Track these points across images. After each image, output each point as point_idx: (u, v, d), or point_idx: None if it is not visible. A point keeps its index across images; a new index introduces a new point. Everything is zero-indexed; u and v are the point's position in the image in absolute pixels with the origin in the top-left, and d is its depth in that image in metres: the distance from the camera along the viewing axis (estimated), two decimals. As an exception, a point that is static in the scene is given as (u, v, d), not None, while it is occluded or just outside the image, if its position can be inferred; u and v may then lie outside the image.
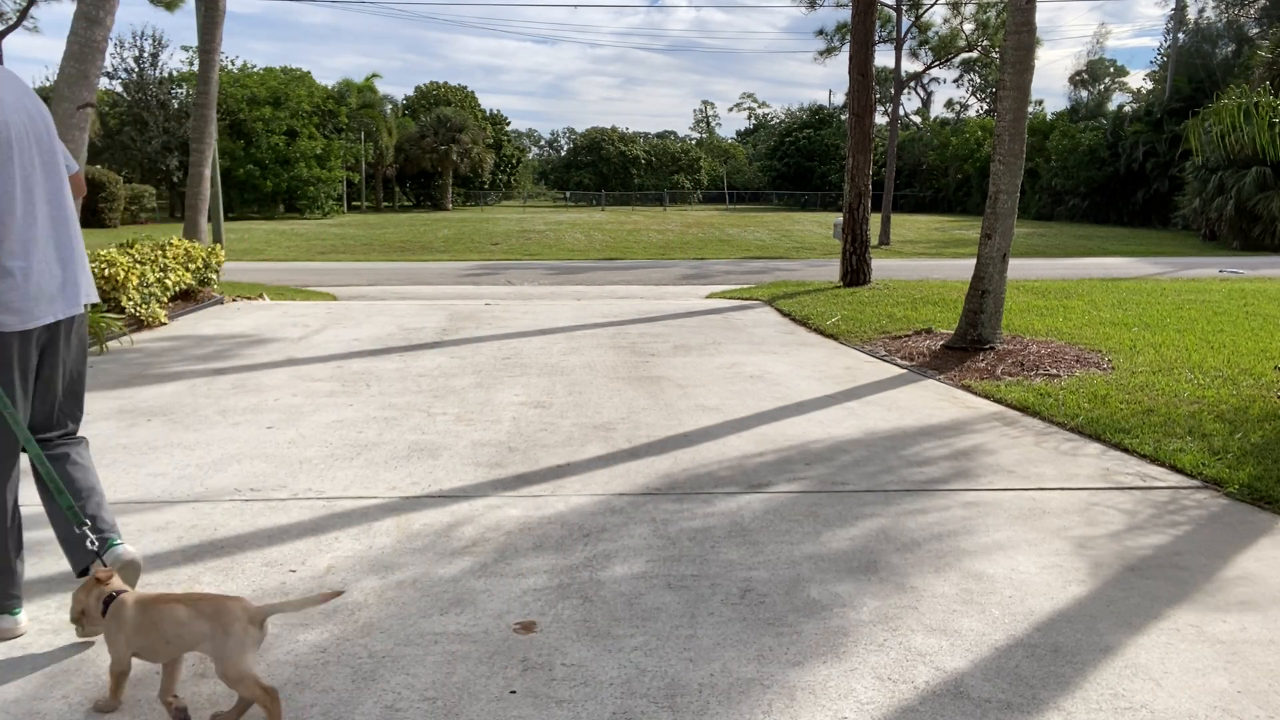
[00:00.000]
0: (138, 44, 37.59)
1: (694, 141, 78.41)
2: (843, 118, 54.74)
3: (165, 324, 9.02)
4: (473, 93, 58.72)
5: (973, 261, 8.11)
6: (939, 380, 6.67)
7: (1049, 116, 46.56)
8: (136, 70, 36.98)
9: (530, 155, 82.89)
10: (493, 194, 58.99)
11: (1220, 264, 18.37)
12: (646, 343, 8.22)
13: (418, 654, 2.68)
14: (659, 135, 79.21)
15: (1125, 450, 4.84)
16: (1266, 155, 6.50)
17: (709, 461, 4.60)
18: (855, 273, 12.68)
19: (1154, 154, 33.52)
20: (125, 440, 4.87)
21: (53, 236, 2.77)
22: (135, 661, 2.38)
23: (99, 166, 30.02)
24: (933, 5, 30.15)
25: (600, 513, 3.86)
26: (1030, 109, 7.86)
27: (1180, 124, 7.42)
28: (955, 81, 59.26)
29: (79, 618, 2.46)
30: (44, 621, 2.86)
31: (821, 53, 32.88)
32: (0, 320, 2.61)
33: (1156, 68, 42.72)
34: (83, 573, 2.79)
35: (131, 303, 8.70)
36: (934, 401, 6.02)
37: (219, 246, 11.62)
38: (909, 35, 31.58)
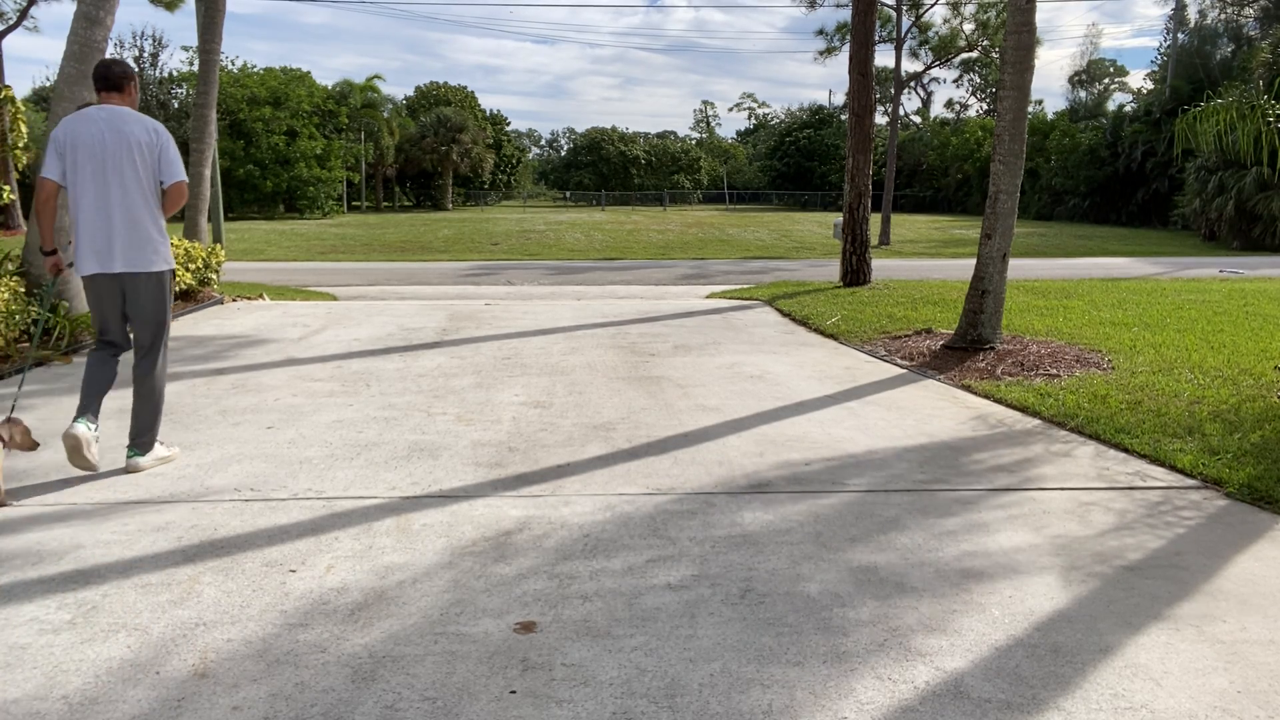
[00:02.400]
0: (138, 44, 37.80)
1: (694, 141, 78.40)
2: (843, 118, 54.74)
3: (165, 324, 9.01)
4: (473, 93, 58.75)
5: (973, 261, 8.11)
6: (939, 380, 6.67)
7: (1049, 116, 46.56)
8: (136, 70, 37.01)
9: (530, 155, 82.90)
10: (493, 194, 59.02)
11: (1220, 264, 18.37)
12: (646, 343, 8.22)
13: (418, 654, 2.68)
14: (659, 135, 79.12)
15: (1125, 450, 4.84)
16: (1250, 158, 6.51)
17: (709, 461, 4.60)
18: (855, 273, 12.68)
19: (1153, 154, 33.52)
20: (125, 440, 4.86)
21: (101, 223, 4.19)
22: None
23: (99, 166, 29.99)
24: (933, 5, 30.15)
25: (600, 513, 3.86)
26: (1030, 109, 7.86)
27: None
28: (955, 81, 59.29)
29: None
30: (44, 621, 2.86)
31: (821, 53, 32.88)
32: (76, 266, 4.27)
33: (1156, 68, 42.74)
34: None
35: (131, 303, 8.69)
36: (934, 401, 6.02)
37: (219, 246, 11.63)
38: (909, 35, 31.58)
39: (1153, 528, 3.75)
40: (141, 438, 4.40)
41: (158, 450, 4.48)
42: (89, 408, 4.28)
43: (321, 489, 4.13)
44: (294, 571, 3.24)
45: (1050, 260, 19.58)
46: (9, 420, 4.06)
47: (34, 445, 4.15)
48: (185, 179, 4.36)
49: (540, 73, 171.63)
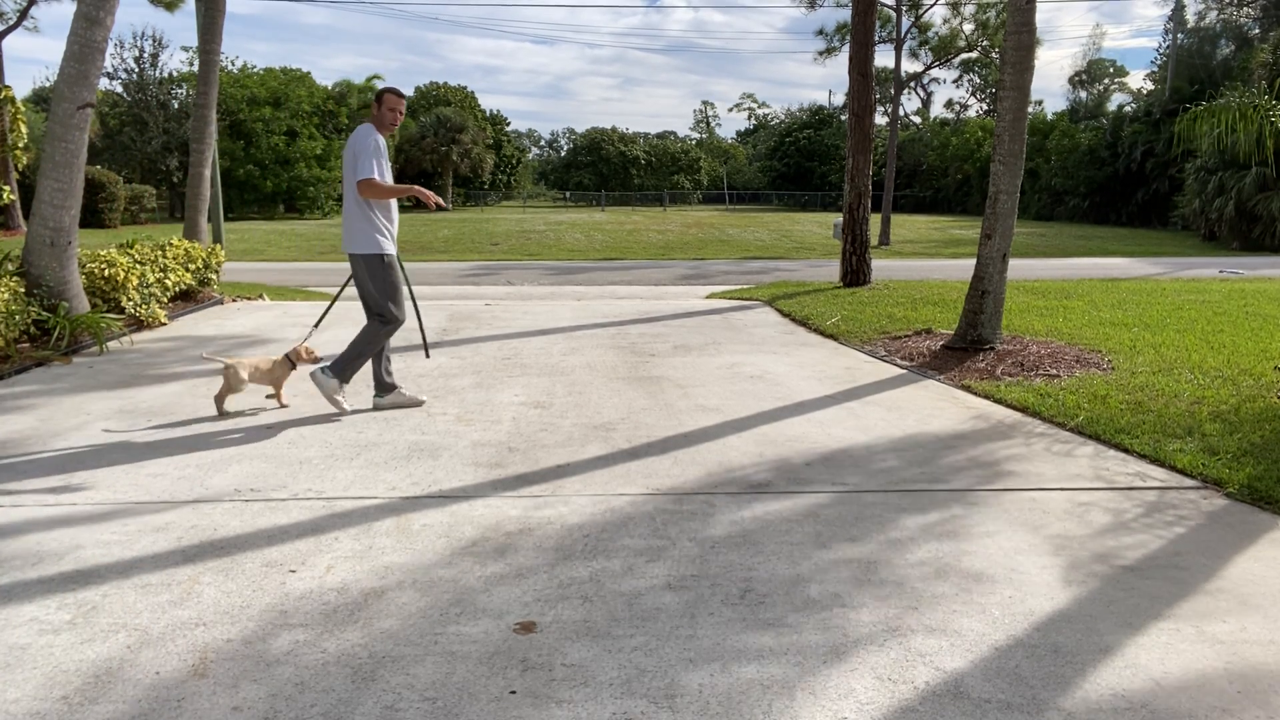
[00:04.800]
0: (138, 44, 37.57)
1: (694, 142, 78.41)
2: (843, 118, 54.74)
3: (165, 324, 9.02)
4: (472, 93, 58.73)
5: (972, 261, 8.11)
6: (939, 380, 6.67)
7: (1049, 117, 46.56)
8: (136, 70, 36.95)
9: (530, 155, 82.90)
10: (493, 194, 58.96)
11: (1220, 264, 18.37)
12: (646, 343, 8.22)
13: (417, 654, 2.68)
14: (659, 135, 79.20)
15: (1125, 450, 4.84)
16: (1252, 159, 6.53)
17: (709, 462, 4.60)
18: (855, 273, 12.68)
19: (1153, 154, 33.51)
20: (125, 440, 4.87)
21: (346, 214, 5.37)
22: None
23: (99, 167, 29.97)
24: (933, 5, 30.15)
25: (600, 513, 3.86)
26: (1030, 109, 7.86)
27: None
28: (955, 82, 59.22)
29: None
30: (44, 621, 2.86)
31: (821, 53, 32.85)
32: None
33: (1156, 68, 42.75)
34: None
35: (131, 303, 8.70)
36: (934, 402, 6.02)
37: (219, 247, 11.63)
38: (909, 35, 31.57)
39: (1153, 528, 3.75)
40: (335, 363, 5.41)
41: (331, 383, 5.37)
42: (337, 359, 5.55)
43: (321, 489, 4.13)
44: (294, 571, 3.24)
45: (1050, 260, 19.58)
46: (297, 349, 5.50)
47: (316, 359, 5.54)
48: (364, 176, 5.14)
49: (540, 73, 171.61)
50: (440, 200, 5.50)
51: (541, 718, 2.37)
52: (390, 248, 5.36)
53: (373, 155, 5.20)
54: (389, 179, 5.36)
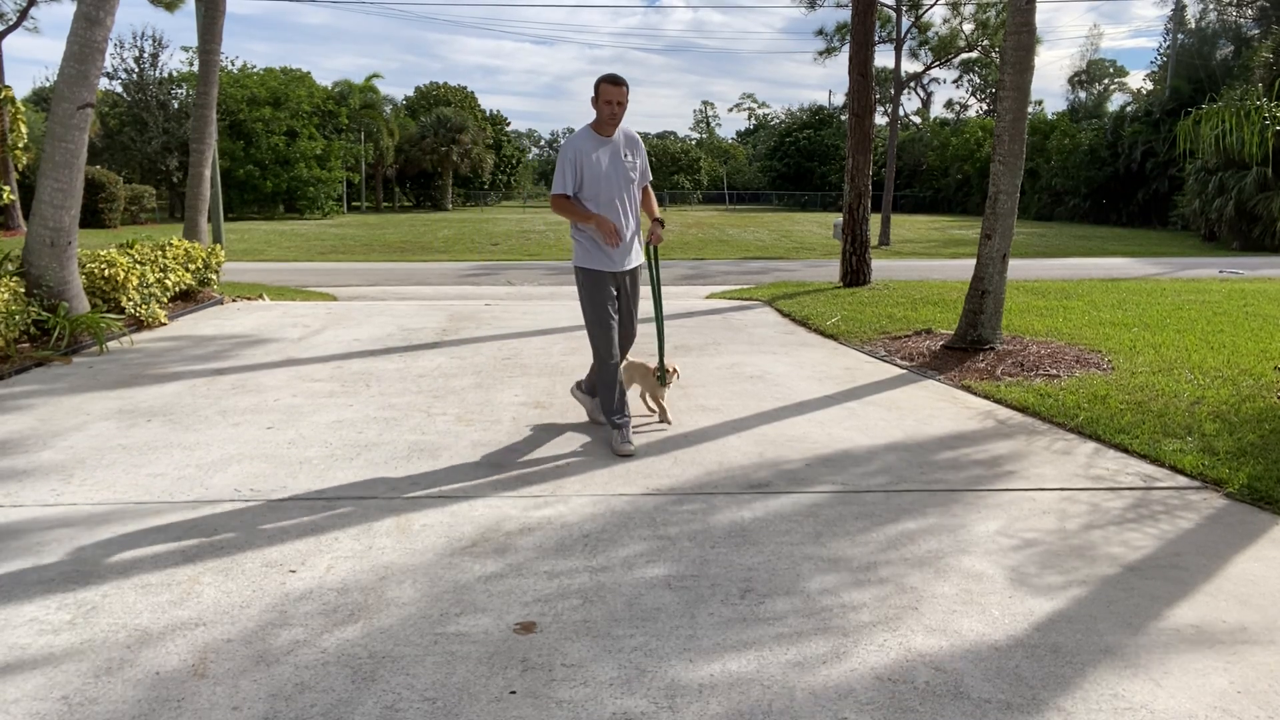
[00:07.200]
0: (138, 44, 37.54)
1: (694, 142, 78.45)
2: (842, 118, 54.74)
3: (165, 324, 9.01)
4: (472, 93, 58.77)
5: (972, 262, 8.11)
6: (939, 380, 6.67)
7: (1049, 117, 46.56)
8: (136, 70, 36.94)
9: (530, 155, 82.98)
10: (493, 194, 59.01)
11: (1220, 264, 18.36)
12: (647, 343, 8.21)
13: (418, 654, 2.68)
14: (659, 135, 79.27)
15: (1125, 450, 4.84)
16: (1253, 159, 6.55)
17: (709, 461, 4.60)
18: (855, 273, 12.68)
19: (1153, 154, 33.53)
20: (125, 440, 4.87)
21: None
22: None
23: (99, 167, 29.96)
24: (933, 6, 30.15)
25: (600, 513, 3.86)
26: (1030, 109, 7.85)
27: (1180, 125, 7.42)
28: (955, 82, 59.26)
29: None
30: (44, 622, 2.86)
31: (821, 53, 32.88)
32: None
33: (1156, 68, 42.75)
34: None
35: (131, 303, 8.70)
36: (934, 402, 6.02)
37: (219, 247, 11.62)
38: (909, 35, 31.58)
39: (1152, 528, 3.75)
40: (585, 380, 5.43)
41: (589, 401, 5.38)
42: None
43: (321, 489, 4.13)
44: (294, 571, 3.24)
45: (1050, 260, 19.58)
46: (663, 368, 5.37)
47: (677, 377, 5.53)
48: (552, 192, 4.81)
49: (539, 73, 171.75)
50: (619, 235, 4.76)
51: (541, 718, 2.37)
52: (589, 262, 4.79)
53: (563, 167, 4.71)
54: (600, 185, 4.71)
